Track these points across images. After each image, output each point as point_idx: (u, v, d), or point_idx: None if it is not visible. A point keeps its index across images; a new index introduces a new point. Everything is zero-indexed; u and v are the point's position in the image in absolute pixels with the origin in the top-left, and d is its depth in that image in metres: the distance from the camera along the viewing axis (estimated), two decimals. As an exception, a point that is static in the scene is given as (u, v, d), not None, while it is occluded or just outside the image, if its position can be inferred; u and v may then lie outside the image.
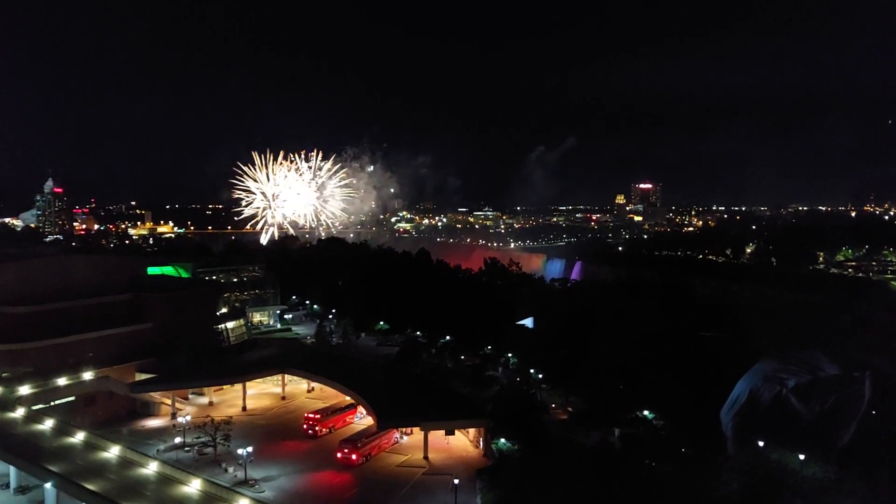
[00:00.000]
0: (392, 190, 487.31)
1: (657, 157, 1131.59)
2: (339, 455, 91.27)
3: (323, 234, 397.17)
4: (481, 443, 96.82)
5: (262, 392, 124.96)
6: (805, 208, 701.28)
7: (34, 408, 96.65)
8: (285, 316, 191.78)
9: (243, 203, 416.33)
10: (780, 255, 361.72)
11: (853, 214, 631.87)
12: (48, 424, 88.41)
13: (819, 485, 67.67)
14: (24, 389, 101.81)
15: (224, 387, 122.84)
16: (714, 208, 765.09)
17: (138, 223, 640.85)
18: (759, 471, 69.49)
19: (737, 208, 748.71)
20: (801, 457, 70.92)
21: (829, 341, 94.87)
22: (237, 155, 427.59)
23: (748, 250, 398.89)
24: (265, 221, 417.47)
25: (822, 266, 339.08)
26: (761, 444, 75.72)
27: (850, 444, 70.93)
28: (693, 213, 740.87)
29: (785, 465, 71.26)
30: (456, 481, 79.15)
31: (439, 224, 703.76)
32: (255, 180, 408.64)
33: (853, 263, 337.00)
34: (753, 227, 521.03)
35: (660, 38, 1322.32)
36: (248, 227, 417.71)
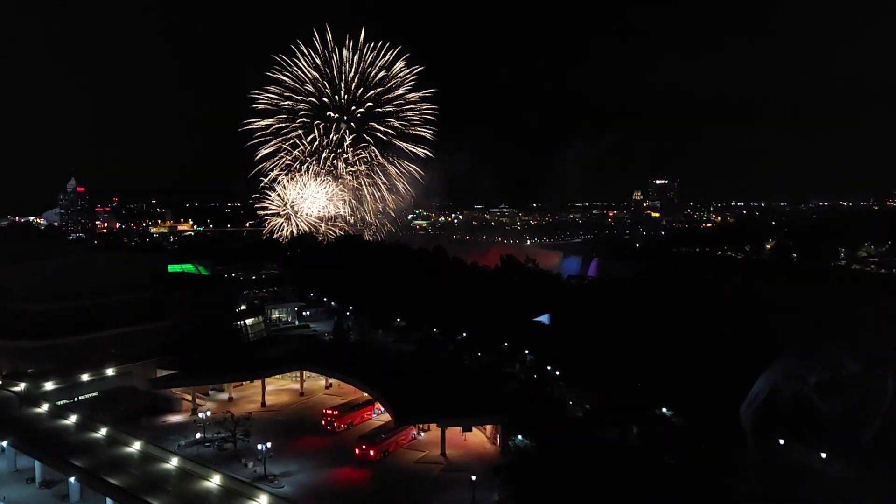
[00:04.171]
0: (424, 185, 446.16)
1: (675, 153, 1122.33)
2: (357, 451, 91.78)
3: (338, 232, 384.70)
4: (498, 439, 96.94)
5: (280, 388, 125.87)
6: (826, 203, 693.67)
7: (58, 403, 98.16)
8: (303, 313, 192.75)
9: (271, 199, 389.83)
10: (800, 250, 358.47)
11: (875, 209, 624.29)
12: (72, 420, 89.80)
13: (842, 483, 67.14)
14: (49, 385, 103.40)
15: (243, 383, 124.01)
16: (732, 204, 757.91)
17: (159, 221, 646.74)
18: (780, 468, 69.05)
19: (756, 204, 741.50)
20: (823, 455, 70.43)
21: (851, 337, 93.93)
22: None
23: (767, 246, 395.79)
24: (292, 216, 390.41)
25: (843, 262, 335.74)
26: (782, 441, 75.26)
27: (874, 441, 70.36)
28: (711, 208, 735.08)
29: (806, 462, 70.77)
30: (474, 478, 79.43)
31: (455, 221, 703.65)
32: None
33: (875, 259, 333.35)
34: (773, 222, 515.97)
35: (679, 34, 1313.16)
36: (267, 226, 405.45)
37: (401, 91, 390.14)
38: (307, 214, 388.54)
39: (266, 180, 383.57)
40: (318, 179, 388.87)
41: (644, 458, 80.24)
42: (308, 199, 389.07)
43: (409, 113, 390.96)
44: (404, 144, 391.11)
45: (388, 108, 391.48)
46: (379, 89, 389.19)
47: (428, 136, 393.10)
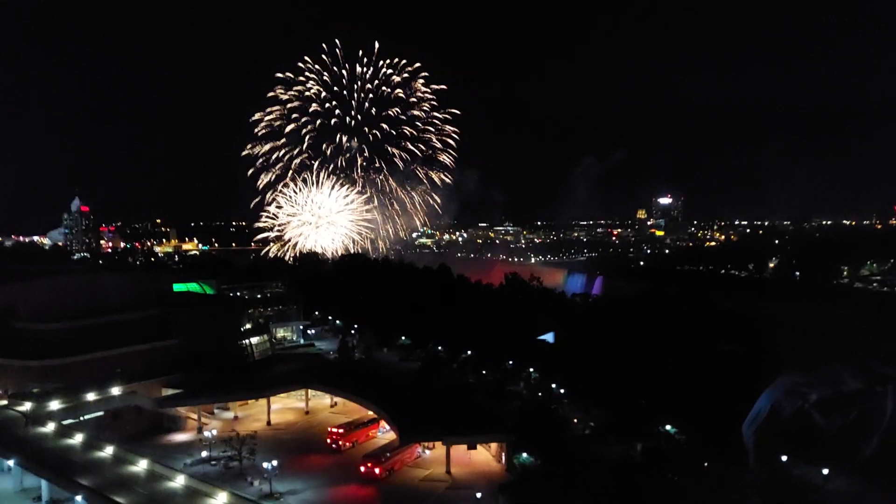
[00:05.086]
0: (434, 207, 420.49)
1: (679, 171, 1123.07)
2: (362, 469, 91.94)
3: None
4: (503, 457, 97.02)
5: (285, 407, 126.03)
6: (829, 222, 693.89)
7: (64, 422, 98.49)
8: (308, 331, 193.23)
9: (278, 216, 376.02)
10: (803, 269, 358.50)
11: (878, 228, 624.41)
12: (78, 439, 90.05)
13: (843, 498, 67.40)
14: (55, 404, 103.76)
15: (249, 401, 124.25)
16: (736, 222, 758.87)
17: (164, 240, 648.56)
18: (782, 485, 69.32)
19: (759, 222, 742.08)
20: (825, 471, 70.69)
21: (852, 355, 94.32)
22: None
23: (771, 265, 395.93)
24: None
25: (846, 280, 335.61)
26: (784, 458, 75.51)
27: (874, 457, 70.62)
28: (715, 227, 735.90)
29: (808, 479, 71.01)
30: (479, 495, 79.67)
31: (460, 239, 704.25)
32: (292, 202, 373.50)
33: (877, 278, 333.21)
34: (776, 241, 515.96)
35: (681, 49, 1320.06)
36: (272, 245, 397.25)
37: (418, 112, 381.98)
38: (314, 242, 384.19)
39: (271, 208, 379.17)
40: (326, 199, 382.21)
41: (648, 475, 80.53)
42: (314, 229, 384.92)
43: (428, 134, 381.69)
44: (421, 172, 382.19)
45: (405, 129, 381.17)
46: (395, 108, 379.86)
47: (448, 161, 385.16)
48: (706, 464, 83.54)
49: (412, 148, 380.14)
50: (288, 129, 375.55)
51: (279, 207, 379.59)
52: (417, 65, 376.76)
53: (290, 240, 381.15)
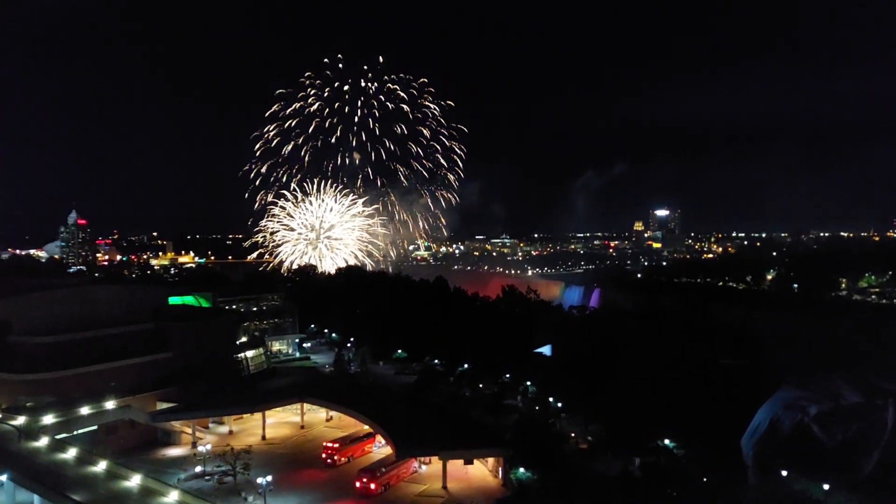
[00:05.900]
0: (443, 228, 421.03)
1: (676, 184, 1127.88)
2: (357, 484, 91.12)
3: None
4: (500, 472, 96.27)
5: (281, 421, 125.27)
6: (827, 234, 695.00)
7: (57, 437, 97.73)
8: (304, 345, 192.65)
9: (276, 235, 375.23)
10: (801, 281, 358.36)
11: (876, 240, 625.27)
12: (71, 453, 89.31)
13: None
14: (48, 418, 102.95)
15: (244, 416, 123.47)
16: (734, 235, 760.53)
17: (160, 253, 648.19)
18: (782, 500, 68.62)
19: (757, 234, 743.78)
20: (826, 486, 70.03)
21: (852, 368, 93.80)
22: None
23: (769, 277, 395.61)
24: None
25: (844, 293, 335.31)
26: (784, 473, 74.84)
27: (874, 472, 69.96)
28: (712, 239, 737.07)
29: (809, 494, 70.33)
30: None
31: (457, 252, 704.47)
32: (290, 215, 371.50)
33: (876, 290, 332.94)
34: (774, 253, 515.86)
35: (679, 61, 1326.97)
36: (268, 257, 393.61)
37: (422, 128, 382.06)
38: (310, 258, 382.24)
39: (269, 225, 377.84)
40: (327, 214, 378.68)
41: (647, 491, 79.82)
42: (311, 246, 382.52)
43: (432, 151, 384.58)
44: (424, 189, 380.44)
45: (409, 145, 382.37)
46: (399, 124, 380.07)
47: (452, 179, 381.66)
48: (705, 479, 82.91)
49: (416, 165, 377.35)
50: (288, 146, 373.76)
51: (278, 222, 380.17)
52: (423, 80, 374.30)
53: (286, 258, 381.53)
